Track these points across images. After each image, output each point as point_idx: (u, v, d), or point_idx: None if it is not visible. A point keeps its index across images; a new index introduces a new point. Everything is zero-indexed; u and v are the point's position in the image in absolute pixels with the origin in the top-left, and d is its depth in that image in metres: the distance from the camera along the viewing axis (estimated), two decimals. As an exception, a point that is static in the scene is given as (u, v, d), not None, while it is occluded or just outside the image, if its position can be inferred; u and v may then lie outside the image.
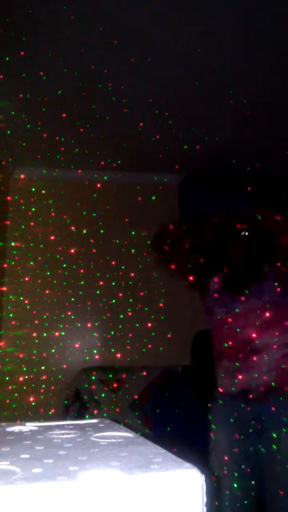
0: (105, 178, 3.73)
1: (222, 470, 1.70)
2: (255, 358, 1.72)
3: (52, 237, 3.52)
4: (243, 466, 1.68)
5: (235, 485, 1.66)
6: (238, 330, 1.76)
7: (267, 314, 1.76)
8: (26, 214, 3.57)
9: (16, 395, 3.16)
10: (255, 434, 1.70)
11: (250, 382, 1.71)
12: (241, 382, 1.73)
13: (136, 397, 2.88)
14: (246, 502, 1.65)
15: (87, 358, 3.50)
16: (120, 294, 3.56)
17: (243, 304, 1.80)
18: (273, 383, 1.69)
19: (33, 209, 3.60)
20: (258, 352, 1.73)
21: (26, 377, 3.30)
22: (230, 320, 1.79)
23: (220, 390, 1.80)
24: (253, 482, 1.67)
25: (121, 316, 3.51)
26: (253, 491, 1.66)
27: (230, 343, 1.78)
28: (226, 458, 1.71)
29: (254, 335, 1.74)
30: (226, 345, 1.79)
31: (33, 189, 3.66)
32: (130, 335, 3.20)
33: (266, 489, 1.63)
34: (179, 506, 0.39)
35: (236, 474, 1.67)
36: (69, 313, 3.55)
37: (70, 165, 3.63)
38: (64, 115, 2.82)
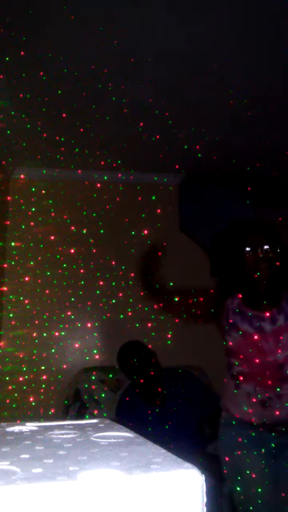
0: (105, 178, 3.73)
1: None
2: (283, 389, 1.64)
3: (52, 237, 3.52)
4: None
5: None
6: (265, 354, 1.68)
7: None
8: (26, 214, 3.57)
9: (16, 395, 3.16)
10: (272, 464, 1.66)
11: (275, 415, 1.64)
12: (265, 414, 1.65)
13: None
14: None
15: (87, 358, 3.49)
16: (120, 294, 3.56)
17: (269, 323, 1.72)
18: None
19: (33, 209, 3.59)
20: (287, 382, 1.65)
21: (26, 377, 3.30)
22: (256, 339, 1.71)
23: (237, 416, 1.73)
24: None
25: (121, 316, 3.51)
26: None
27: (255, 367, 1.70)
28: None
29: (283, 362, 1.67)
30: (247, 371, 1.72)
31: (33, 189, 3.66)
32: (130, 335, 3.20)
33: None
34: (179, 506, 0.39)
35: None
36: (69, 313, 3.55)
37: (70, 165, 3.63)
38: (64, 115, 2.82)
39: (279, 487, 1.64)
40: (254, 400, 1.68)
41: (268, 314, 1.74)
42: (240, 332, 1.76)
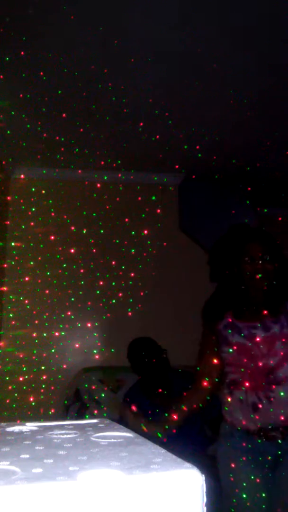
0: (105, 178, 3.73)
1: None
2: (275, 393, 1.65)
3: (52, 237, 3.52)
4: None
5: None
6: (257, 360, 1.68)
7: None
8: (26, 214, 3.57)
9: (16, 395, 3.16)
10: (272, 472, 1.65)
11: (269, 420, 1.64)
12: (260, 420, 1.65)
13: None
14: None
15: (87, 358, 3.49)
16: (120, 294, 3.56)
17: (262, 332, 1.72)
18: None
19: (33, 209, 3.59)
20: (279, 386, 1.65)
21: (26, 377, 3.30)
22: (246, 346, 1.72)
23: (233, 423, 1.73)
24: None
25: (121, 316, 3.51)
26: None
27: (247, 374, 1.70)
28: (237, 490, 1.65)
29: (275, 367, 1.67)
30: (240, 378, 1.72)
31: (33, 189, 3.66)
32: (130, 335, 3.20)
33: None
34: (179, 506, 0.39)
35: None
36: (69, 313, 3.55)
37: (70, 165, 3.63)
38: (64, 115, 2.82)
39: (276, 496, 1.63)
40: (247, 405, 1.68)
41: (260, 323, 1.73)
42: (232, 343, 1.76)
